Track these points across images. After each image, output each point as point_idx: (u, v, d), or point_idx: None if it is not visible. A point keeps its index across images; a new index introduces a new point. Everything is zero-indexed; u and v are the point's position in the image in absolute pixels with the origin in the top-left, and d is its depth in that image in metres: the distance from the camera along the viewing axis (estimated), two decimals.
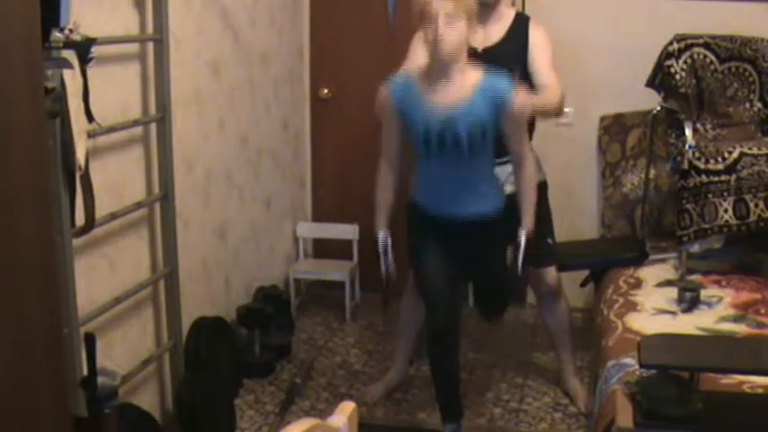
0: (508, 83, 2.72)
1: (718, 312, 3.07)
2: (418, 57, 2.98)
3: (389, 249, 2.99)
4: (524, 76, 3.02)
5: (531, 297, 3.56)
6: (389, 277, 3.05)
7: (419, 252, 2.95)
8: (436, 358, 3.04)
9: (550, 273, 3.39)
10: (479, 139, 2.74)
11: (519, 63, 2.99)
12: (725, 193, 3.29)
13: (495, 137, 2.81)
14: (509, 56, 2.99)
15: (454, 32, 2.63)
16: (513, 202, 2.91)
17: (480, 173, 2.84)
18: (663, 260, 3.61)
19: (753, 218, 3.28)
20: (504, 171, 2.97)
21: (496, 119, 2.73)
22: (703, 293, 3.16)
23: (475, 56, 2.87)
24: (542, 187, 3.23)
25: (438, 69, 2.74)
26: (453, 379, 3.06)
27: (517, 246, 2.85)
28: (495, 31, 3.11)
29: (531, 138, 3.06)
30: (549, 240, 3.36)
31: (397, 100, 2.81)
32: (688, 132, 3.33)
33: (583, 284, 3.92)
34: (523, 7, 4.07)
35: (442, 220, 2.88)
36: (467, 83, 2.73)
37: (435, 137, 2.74)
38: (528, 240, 2.85)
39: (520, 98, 2.72)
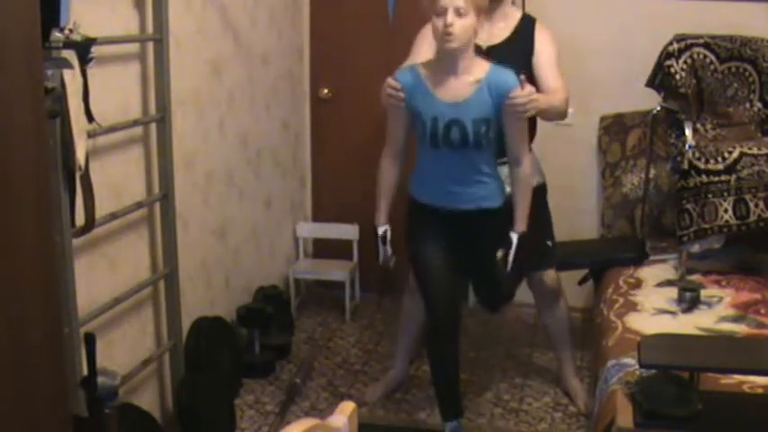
0: (515, 78, 2.73)
1: (718, 312, 3.07)
2: (422, 55, 2.98)
3: (388, 240, 3.00)
4: (528, 79, 3.02)
5: (530, 297, 3.55)
6: (387, 268, 3.07)
7: (419, 250, 2.95)
8: (436, 356, 3.05)
9: (550, 275, 3.39)
10: (484, 133, 2.75)
11: (523, 64, 2.99)
12: (725, 193, 3.29)
13: (499, 136, 2.81)
14: (513, 56, 2.98)
15: (463, 24, 2.64)
16: (510, 204, 2.91)
17: (484, 166, 2.84)
18: (663, 260, 3.61)
19: (753, 218, 3.28)
20: (504, 171, 2.97)
21: (501, 112, 2.74)
22: (703, 293, 3.16)
23: (479, 53, 2.87)
24: (541, 190, 3.23)
25: (446, 62, 2.75)
26: (453, 377, 3.06)
27: (508, 246, 2.86)
28: (499, 30, 3.10)
29: (532, 140, 3.06)
30: (549, 243, 3.36)
31: (405, 88, 2.81)
32: (688, 132, 3.33)
33: (581, 282, 3.91)
34: (523, 7, 4.07)
35: (442, 214, 2.88)
36: (474, 77, 2.75)
37: (442, 129, 2.75)
38: (520, 241, 2.85)
39: (525, 92, 2.72)
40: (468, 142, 2.75)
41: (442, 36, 2.66)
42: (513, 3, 3.29)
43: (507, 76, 2.75)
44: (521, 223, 2.87)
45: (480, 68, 2.77)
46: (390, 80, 2.83)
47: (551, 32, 3.14)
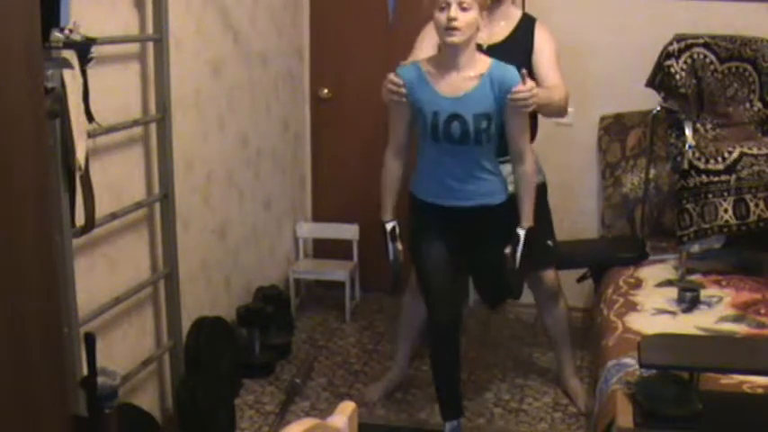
0: (516, 73, 2.74)
1: (718, 312, 3.07)
2: (424, 52, 2.99)
3: (398, 236, 2.99)
4: (529, 75, 3.02)
5: (530, 297, 3.55)
6: (397, 265, 3.03)
7: (420, 249, 2.95)
8: (437, 356, 3.04)
9: (550, 275, 3.39)
10: (485, 128, 2.75)
11: (523, 62, 2.99)
12: (725, 193, 3.29)
13: (500, 133, 2.82)
14: (513, 54, 2.99)
15: (467, 19, 2.65)
16: (513, 202, 2.91)
17: (485, 162, 2.85)
18: (663, 260, 3.61)
19: (753, 218, 3.28)
20: (506, 170, 2.97)
21: (502, 108, 2.75)
22: (703, 293, 3.16)
23: (479, 51, 2.88)
24: (542, 189, 3.23)
25: (448, 57, 2.76)
26: (454, 377, 3.06)
27: (516, 241, 2.86)
28: (500, 29, 3.11)
29: (533, 139, 3.07)
30: (550, 242, 3.36)
31: (407, 84, 2.81)
32: (688, 132, 3.33)
33: (579, 280, 3.91)
34: (523, 7, 4.07)
35: (443, 212, 2.88)
36: (476, 71, 2.76)
37: (443, 124, 2.76)
38: (527, 236, 2.85)
39: (527, 87, 2.72)
40: (469, 137, 2.76)
41: (446, 30, 2.67)
42: (514, 2, 3.29)
43: (509, 71, 2.76)
44: (527, 219, 2.87)
45: (482, 64, 2.78)
46: (391, 76, 2.84)
47: (551, 32, 3.15)
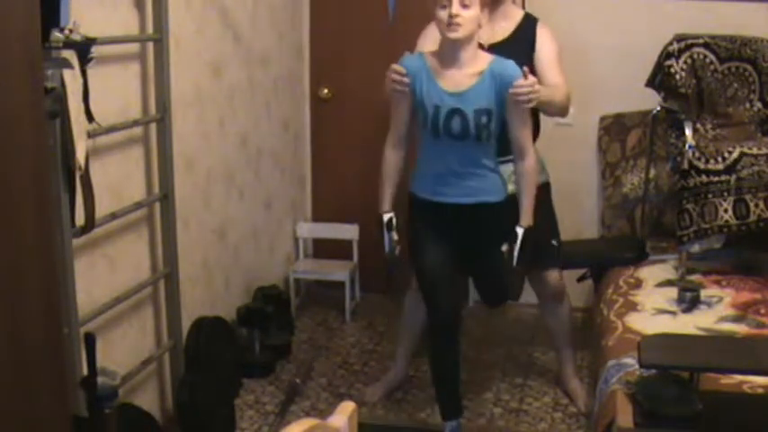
0: (517, 68, 2.75)
1: (718, 312, 3.07)
2: (426, 50, 2.98)
3: (394, 227, 2.98)
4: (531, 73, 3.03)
5: (532, 297, 3.55)
6: (393, 258, 3.02)
7: (419, 249, 2.95)
8: (437, 357, 3.04)
9: (554, 275, 3.38)
10: (485, 124, 2.76)
11: (525, 61, 2.99)
12: (725, 193, 3.29)
13: (501, 132, 2.82)
14: (515, 53, 2.99)
15: (468, 15, 2.66)
16: (513, 203, 2.91)
17: (484, 160, 2.85)
18: (663, 260, 3.61)
19: (753, 218, 3.28)
20: (506, 170, 2.97)
21: (503, 103, 2.75)
22: (703, 293, 3.16)
23: (480, 49, 2.88)
24: (546, 188, 3.23)
25: (449, 53, 2.77)
26: (454, 378, 3.06)
27: (513, 240, 2.85)
28: (501, 29, 3.11)
29: (536, 139, 3.07)
30: (554, 242, 3.35)
31: (409, 73, 2.82)
32: (688, 132, 3.33)
33: (579, 280, 3.91)
34: (524, 8, 4.07)
35: (443, 209, 2.88)
36: (477, 68, 2.76)
37: (443, 118, 2.76)
38: (525, 236, 2.85)
39: (529, 81, 2.72)
40: (469, 133, 2.76)
41: (447, 26, 2.67)
42: (515, 2, 3.29)
43: (509, 66, 2.76)
44: (526, 217, 2.87)
45: (483, 60, 2.79)
46: (395, 66, 2.84)
47: (552, 32, 3.15)
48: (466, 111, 2.75)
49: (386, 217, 2.99)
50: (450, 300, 2.95)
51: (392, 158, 2.98)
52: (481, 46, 2.92)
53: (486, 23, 2.91)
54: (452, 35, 2.69)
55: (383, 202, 3.00)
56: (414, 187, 2.97)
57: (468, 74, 2.77)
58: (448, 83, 2.77)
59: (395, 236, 3.00)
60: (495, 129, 2.80)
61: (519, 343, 4.08)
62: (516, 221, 2.87)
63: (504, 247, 2.87)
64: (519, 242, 2.85)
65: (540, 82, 2.96)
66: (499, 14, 3.11)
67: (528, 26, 3.13)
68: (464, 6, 2.66)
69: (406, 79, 2.81)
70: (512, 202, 2.91)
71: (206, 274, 3.55)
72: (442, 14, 2.68)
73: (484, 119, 2.75)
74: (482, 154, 2.84)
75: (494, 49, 2.99)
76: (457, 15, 2.64)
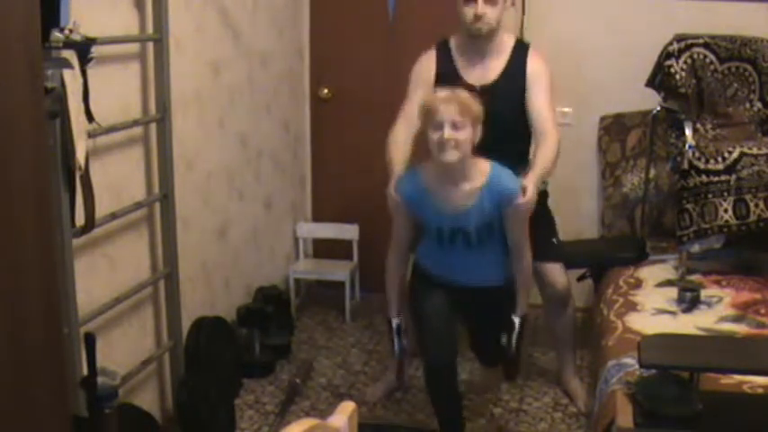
0: (515, 183, 2.72)
1: (718, 312, 3.07)
2: (418, 97, 2.94)
3: (403, 331, 3.01)
4: (521, 113, 3.02)
5: (532, 298, 3.54)
6: (403, 360, 3.16)
7: (419, 293, 2.94)
8: (436, 396, 3.00)
9: (560, 277, 3.37)
10: (489, 233, 2.78)
11: (517, 102, 3.01)
12: (725, 193, 3.29)
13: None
14: (506, 95, 3.00)
15: (460, 137, 2.60)
16: (510, 282, 2.90)
17: (489, 254, 2.85)
18: (663, 260, 3.61)
19: (753, 218, 3.28)
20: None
21: (502, 213, 2.75)
22: (703, 293, 3.16)
23: (472, 92, 2.78)
24: (544, 196, 3.21)
25: (445, 172, 2.72)
26: (455, 411, 3.03)
27: (511, 328, 2.87)
28: (493, 67, 3.07)
29: (529, 146, 3.13)
30: (554, 240, 3.37)
31: (406, 200, 2.81)
32: (688, 132, 3.33)
33: (579, 280, 3.91)
34: (523, 8, 4.07)
35: (445, 283, 2.89)
36: (475, 183, 2.71)
37: (447, 237, 2.79)
38: (522, 324, 2.87)
39: (527, 199, 2.71)
40: (472, 243, 2.79)
41: (440, 148, 2.61)
42: (513, 4, 3.27)
43: (507, 180, 2.72)
44: (522, 307, 2.89)
45: (480, 174, 2.72)
46: (391, 191, 2.84)
47: (543, 58, 3.09)
48: (468, 228, 2.75)
49: (394, 322, 3.00)
50: (446, 343, 2.89)
51: (397, 270, 2.99)
52: (473, 88, 2.89)
53: (479, 61, 2.99)
54: (446, 158, 2.62)
55: (391, 308, 3.01)
56: (419, 256, 2.98)
57: (467, 192, 2.71)
58: (447, 203, 2.74)
59: (405, 342, 3.02)
60: (499, 230, 2.80)
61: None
62: (512, 303, 2.88)
63: (503, 339, 2.88)
64: (516, 332, 2.86)
65: (529, 122, 2.99)
66: (492, 50, 3.06)
67: (519, 57, 3.07)
68: (455, 130, 2.58)
69: (401, 208, 2.83)
70: (511, 281, 2.89)
71: (206, 274, 3.55)
72: (434, 136, 2.62)
73: (485, 232, 2.77)
74: (487, 251, 2.84)
75: (486, 90, 2.96)
76: (450, 139, 2.57)
